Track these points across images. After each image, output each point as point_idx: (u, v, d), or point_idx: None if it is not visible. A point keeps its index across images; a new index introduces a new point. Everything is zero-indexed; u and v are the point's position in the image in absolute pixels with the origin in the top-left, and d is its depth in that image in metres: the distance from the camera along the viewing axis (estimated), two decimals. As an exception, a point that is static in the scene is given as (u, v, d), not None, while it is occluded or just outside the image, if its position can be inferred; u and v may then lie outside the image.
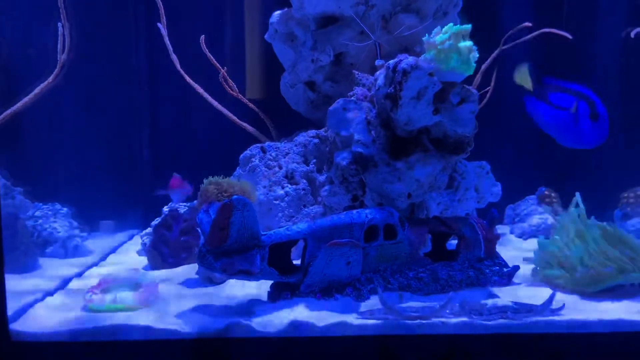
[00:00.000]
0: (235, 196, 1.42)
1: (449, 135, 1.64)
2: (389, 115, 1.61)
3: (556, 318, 1.37)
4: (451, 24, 1.52)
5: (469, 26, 1.52)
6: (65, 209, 2.17)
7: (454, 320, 1.36)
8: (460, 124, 1.59)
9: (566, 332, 1.35)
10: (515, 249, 2.09)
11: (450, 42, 1.48)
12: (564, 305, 1.41)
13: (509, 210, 2.37)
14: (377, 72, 1.69)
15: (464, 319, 1.36)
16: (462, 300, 1.42)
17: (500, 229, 2.33)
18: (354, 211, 1.58)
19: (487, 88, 2.24)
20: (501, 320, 1.36)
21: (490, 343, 1.35)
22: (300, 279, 1.49)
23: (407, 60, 1.54)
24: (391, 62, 1.59)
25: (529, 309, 1.40)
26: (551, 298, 1.41)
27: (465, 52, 1.48)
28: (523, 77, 1.70)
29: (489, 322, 1.35)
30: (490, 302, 1.46)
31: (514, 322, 1.36)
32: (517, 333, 1.35)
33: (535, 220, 2.20)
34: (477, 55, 1.52)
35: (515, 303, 1.43)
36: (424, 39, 1.54)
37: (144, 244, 2.11)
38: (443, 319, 1.36)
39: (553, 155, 2.42)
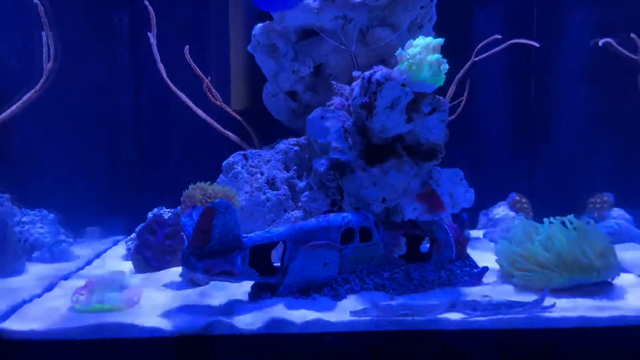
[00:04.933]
0: (217, 200, 1.49)
1: (421, 142, 1.73)
2: (364, 123, 1.69)
3: (548, 315, 1.45)
4: (422, 37, 1.62)
5: (441, 40, 1.61)
6: (52, 215, 2.23)
7: (450, 316, 1.43)
8: (431, 132, 1.69)
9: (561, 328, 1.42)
10: (487, 252, 2.18)
11: (420, 56, 1.58)
12: (554, 304, 1.49)
13: (482, 215, 2.47)
14: (354, 83, 1.77)
15: (461, 315, 1.44)
16: (455, 297, 1.50)
17: (474, 233, 2.43)
18: (331, 214, 1.66)
19: (461, 98, 2.34)
20: (497, 316, 1.43)
21: (487, 338, 1.41)
22: (280, 280, 1.56)
23: (381, 71, 1.63)
24: (367, 73, 1.68)
25: (522, 305, 1.47)
26: (543, 296, 1.49)
27: (434, 64, 1.58)
28: None
29: (485, 318, 1.42)
30: (486, 299, 1.53)
31: (511, 317, 1.43)
32: (512, 329, 1.42)
33: (506, 224, 2.29)
34: (447, 67, 1.62)
35: (508, 300, 1.51)
36: (396, 53, 1.64)
37: (128, 249, 2.17)
38: (438, 315, 1.43)
39: (524, 162, 2.54)
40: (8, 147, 2.27)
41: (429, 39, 1.61)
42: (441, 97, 1.71)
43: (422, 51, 1.59)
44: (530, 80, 2.52)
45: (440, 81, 1.62)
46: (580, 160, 2.48)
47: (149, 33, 2.21)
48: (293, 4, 1.76)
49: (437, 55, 1.58)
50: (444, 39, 1.61)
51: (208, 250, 1.48)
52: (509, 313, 1.46)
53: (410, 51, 1.60)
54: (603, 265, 1.59)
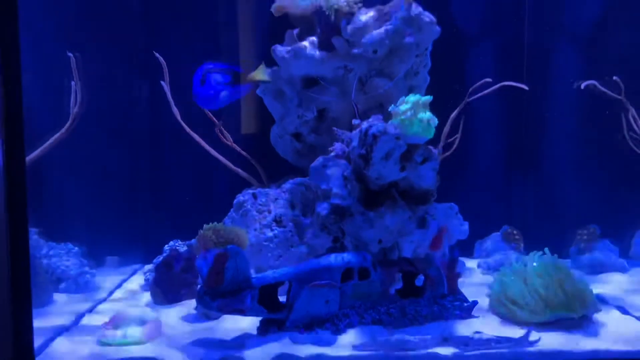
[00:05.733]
0: (229, 245, 1.67)
1: (414, 188, 1.89)
2: (362, 171, 1.86)
3: (532, 349, 1.60)
4: (412, 95, 1.79)
5: (429, 97, 1.79)
6: (76, 248, 2.40)
7: (444, 351, 1.58)
8: (423, 179, 1.85)
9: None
10: (481, 282, 2.33)
11: (412, 112, 1.75)
12: (540, 338, 1.64)
13: (477, 245, 2.62)
14: (352, 133, 1.94)
15: (453, 349, 1.59)
16: (448, 332, 1.66)
17: (469, 263, 2.59)
18: (332, 255, 1.82)
19: (455, 136, 2.50)
20: (487, 351, 1.58)
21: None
22: (286, 316, 1.73)
23: (376, 126, 1.80)
24: (364, 126, 1.85)
25: (509, 340, 1.63)
26: (529, 331, 1.65)
27: (424, 120, 1.75)
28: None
29: (476, 352, 1.58)
30: (476, 335, 1.67)
31: (500, 351, 1.58)
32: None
33: (499, 256, 2.45)
34: (436, 122, 1.79)
35: (497, 336, 1.65)
36: (390, 108, 1.81)
37: (147, 280, 2.34)
38: (432, 350, 1.58)
39: (516, 195, 2.69)
40: (36, 185, 2.45)
41: (418, 97, 1.78)
42: (432, 148, 1.88)
43: (413, 107, 1.76)
44: (521, 117, 2.68)
45: (430, 134, 1.79)
46: (570, 194, 2.63)
47: (162, 82, 2.39)
48: (226, 103, 2.08)
49: (428, 113, 1.75)
50: (431, 97, 1.78)
51: (221, 291, 1.65)
52: (498, 347, 1.61)
53: (403, 107, 1.78)
54: (581, 304, 1.74)
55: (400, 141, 1.79)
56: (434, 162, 1.85)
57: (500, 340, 1.64)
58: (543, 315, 1.75)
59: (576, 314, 1.75)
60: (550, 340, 1.66)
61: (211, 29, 2.65)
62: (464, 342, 1.63)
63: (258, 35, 2.59)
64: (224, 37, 2.67)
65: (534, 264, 1.85)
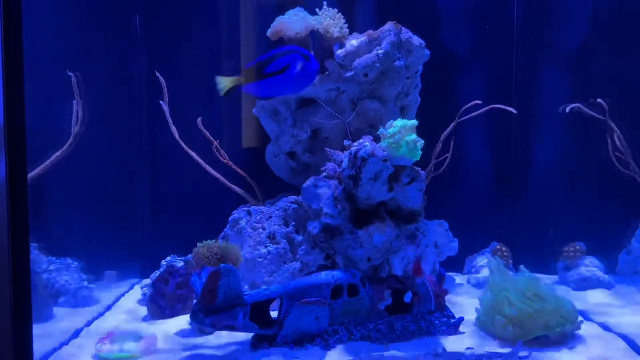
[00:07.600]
0: (223, 264, 1.73)
1: (402, 207, 1.96)
2: (352, 191, 1.93)
3: None
4: (399, 119, 1.86)
5: (415, 121, 1.86)
6: (75, 263, 2.46)
7: None
8: (410, 199, 1.92)
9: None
10: (470, 297, 2.38)
11: (399, 135, 1.82)
12: (530, 353, 1.70)
13: (468, 261, 2.68)
14: (343, 154, 2.01)
15: None
16: (441, 349, 1.71)
17: (459, 278, 2.65)
18: (322, 273, 1.88)
19: (446, 155, 2.56)
20: None
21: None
22: (277, 332, 1.79)
23: (365, 149, 1.87)
24: (353, 148, 1.92)
25: (500, 356, 1.67)
26: (517, 347, 1.69)
27: (411, 143, 1.81)
28: (224, 85, 2.10)
29: None
30: (468, 351, 1.73)
31: None
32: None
33: (488, 271, 2.50)
34: (423, 143, 1.86)
35: (488, 352, 1.71)
36: (379, 131, 1.88)
37: (144, 294, 2.40)
38: None
39: (506, 212, 2.76)
40: (37, 200, 2.52)
41: (405, 121, 1.85)
42: (419, 169, 1.94)
43: (400, 131, 1.83)
44: (510, 137, 2.75)
45: (417, 156, 1.86)
46: (557, 211, 2.70)
47: (161, 101, 2.47)
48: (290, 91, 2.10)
49: (414, 136, 1.82)
50: (417, 121, 1.86)
51: (214, 308, 1.71)
52: None
53: (390, 131, 1.85)
54: (560, 323, 1.80)
55: (387, 163, 1.86)
56: (420, 182, 1.92)
57: (491, 356, 1.69)
58: (526, 333, 1.81)
59: (555, 332, 1.80)
60: (535, 356, 1.72)
61: (211, 50, 2.73)
62: (457, 358, 1.68)
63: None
64: (224, 58, 2.74)
65: (515, 281, 1.90)
